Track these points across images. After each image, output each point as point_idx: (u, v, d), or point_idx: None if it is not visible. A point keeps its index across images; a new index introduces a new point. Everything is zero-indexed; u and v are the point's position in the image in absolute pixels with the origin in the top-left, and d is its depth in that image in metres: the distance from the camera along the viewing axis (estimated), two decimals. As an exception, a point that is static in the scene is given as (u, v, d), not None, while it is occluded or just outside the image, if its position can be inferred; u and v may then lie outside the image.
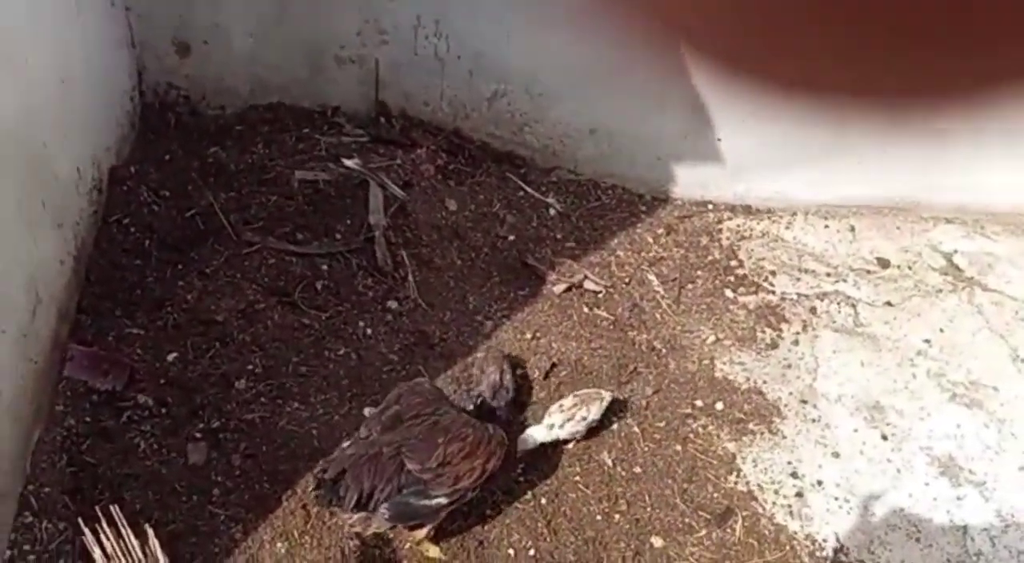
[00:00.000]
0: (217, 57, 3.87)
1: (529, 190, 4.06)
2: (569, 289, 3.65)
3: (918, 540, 2.99)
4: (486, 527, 2.86)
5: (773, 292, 3.79)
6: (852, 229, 4.13)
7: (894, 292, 3.83)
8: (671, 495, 3.03)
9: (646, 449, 3.15)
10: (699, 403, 3.32)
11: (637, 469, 3.09)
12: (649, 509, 2.98)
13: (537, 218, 3.98)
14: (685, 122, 3.93)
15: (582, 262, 3.79)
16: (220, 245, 3.46)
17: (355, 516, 2.53)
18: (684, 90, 3.78)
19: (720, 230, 4.08)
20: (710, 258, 3.92)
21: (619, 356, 3.43)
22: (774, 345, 3.57)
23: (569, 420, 3.02)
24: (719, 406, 3.32)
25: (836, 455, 3.22)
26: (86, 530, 2.35)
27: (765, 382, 3.43)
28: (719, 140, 3.97)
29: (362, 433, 2.66)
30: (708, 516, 2.99)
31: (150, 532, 2.40)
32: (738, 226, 4.10)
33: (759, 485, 3.10)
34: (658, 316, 3.63)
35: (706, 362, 3.47)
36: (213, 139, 3.88)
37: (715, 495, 3.05)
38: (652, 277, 3.79)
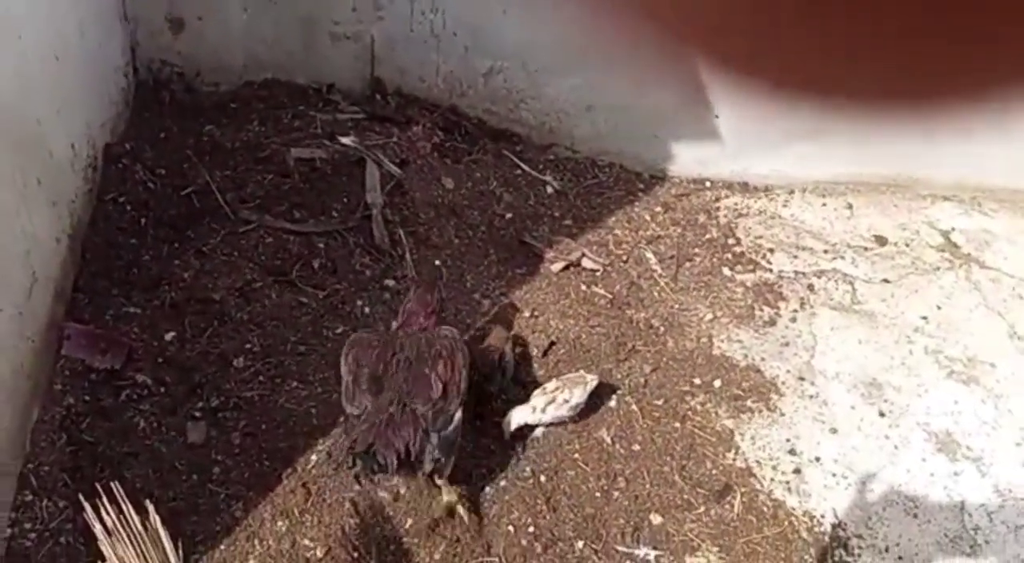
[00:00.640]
0: (211, 33, 3.84)
1: (526, 168, 4.05)
2: (567, 267, 3.65)
3: (915, 516, 3.01)
4: (486, 504, 2.86)
5: (771, 270, 3.79)
6: (849, 207, 4.13)
7: (891, 269, 3.84)
8: (670, 472, 3.04)
9: (644, 426, 3.15)
10: (697, 381, 3.33)
11: (636, 446, 3.10)
12: (648, 486, 2.99)
13: (534, 196, 3.96)
14: (683, 100, 3.90)
15: (580, 240, 3.78)
16: (216, 223, 3.44)
17: (399, 476, 2.63)
18: (682, 68, 3.76)
19: (718, 208, 4.07)
20: (708, 236, 3.92)
21: (617, 334, 3.43)
22: (772, 322, 3.58)
23: (551, 403, 2.98)
24: (717, 383, 3.33)
25: (834, 431, 3.23)
26: (87, 506, 2.35)
27: (763, 359, 3.43)
28: (716, 117, 3.95)
29: (354, 410, 2.62)
30: (706, 493, 3.00)
31: (150, 508, 2.39)
32: (736, 204, 4.10)
33: (757, 461, 3.11)
34: (656, 294, 3.62)
35: (704, 340, 3.47)
36: (208, 116, 3.85)
37: (713, 472, 3.06)
38: (650, 255, 3.79)
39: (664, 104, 3.94)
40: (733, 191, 4.17)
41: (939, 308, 3.69)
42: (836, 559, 2.87)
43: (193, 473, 2.78)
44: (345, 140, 3.80)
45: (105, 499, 2.37)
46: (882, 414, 3.29)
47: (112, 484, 2.46)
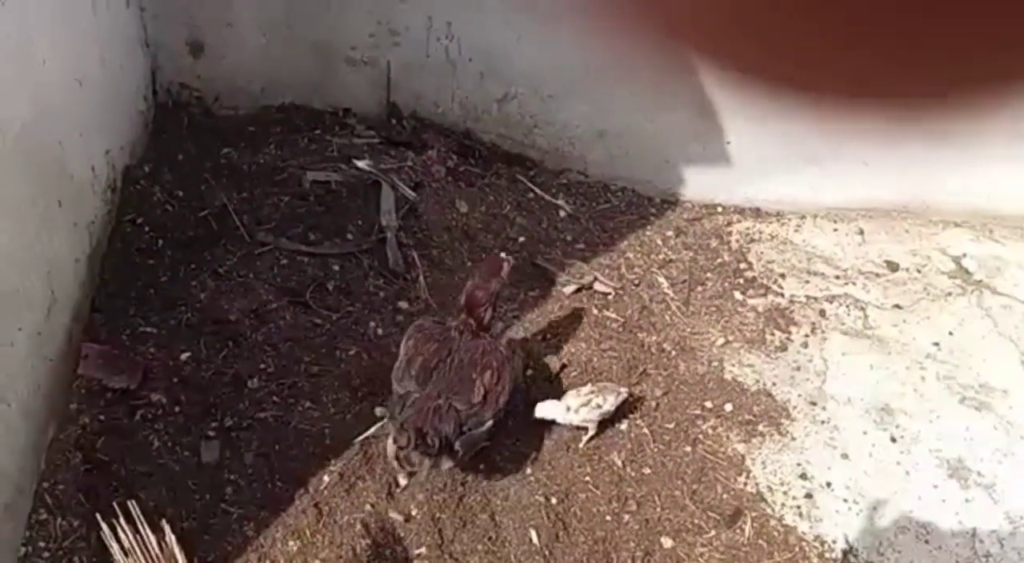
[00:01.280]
0: (230, 58, 3.90)
1: (539, 192, 4.08)
2: (579, 290, 3.67)
3: (927, 542, 3.00)
4: (496, 526, 2.87)
5: (782, 295, 3.80)
6: (861, 232, 4.14)
7: (903, 295, 3.84)
8: (681, 496, 3.04)
9: (656, 450, 3.16)
10: (708, 405, 3.33)
11: (647, 470, 3.10)
12: (659, 510, 3.00)
13: (547, 220, 3.99)
14: (694, 125, 3.94)
15: (592, 264, 3.80)
16: (233, 245, 3.48)
17: (427, 462, 2.76)
18: (693, 93, 3.80)
19: (730, 233, 4.09)
20: (719, 260, 3.94)
21: (629, 357, 3.44)
22: (783, 347, 3.59)
23: (584, 405, 3.03)
24: (728, 408, 3.33)
25: (845, 457, 3.23)
26: (104, 525, 2.37)
27: (774, 384, 3.44)
28: (728, 143, 3.98)
29: (399, 389, 2.83)
30: (717, 517, 3.00)
31: (166, 527, 2.41)
32: (747, 229, 4.12)
33: (768, 486, 3.11)
34: (668, 318, 3.64)
35: (715, 364, 3.48)
36: (226, 139, 3.91)
37: (724, 496, 3.06)
38: (662, 279, 3.80)
39: (676, 130, 3.98)
40: (745, 216, 4.18)
41: (951, 334, 3.69)
42: (847, 585, 2.87)
43: (206, 493, 2.80)
44: (361, 164, 3.85)
45: (121, 518, 2.39)
46: (894, 440, 3.29)
47: (129, 503, 2.48)
